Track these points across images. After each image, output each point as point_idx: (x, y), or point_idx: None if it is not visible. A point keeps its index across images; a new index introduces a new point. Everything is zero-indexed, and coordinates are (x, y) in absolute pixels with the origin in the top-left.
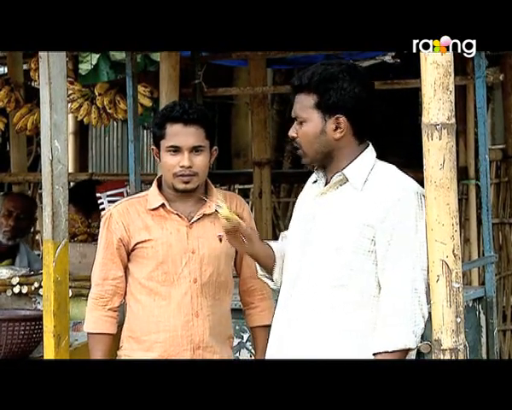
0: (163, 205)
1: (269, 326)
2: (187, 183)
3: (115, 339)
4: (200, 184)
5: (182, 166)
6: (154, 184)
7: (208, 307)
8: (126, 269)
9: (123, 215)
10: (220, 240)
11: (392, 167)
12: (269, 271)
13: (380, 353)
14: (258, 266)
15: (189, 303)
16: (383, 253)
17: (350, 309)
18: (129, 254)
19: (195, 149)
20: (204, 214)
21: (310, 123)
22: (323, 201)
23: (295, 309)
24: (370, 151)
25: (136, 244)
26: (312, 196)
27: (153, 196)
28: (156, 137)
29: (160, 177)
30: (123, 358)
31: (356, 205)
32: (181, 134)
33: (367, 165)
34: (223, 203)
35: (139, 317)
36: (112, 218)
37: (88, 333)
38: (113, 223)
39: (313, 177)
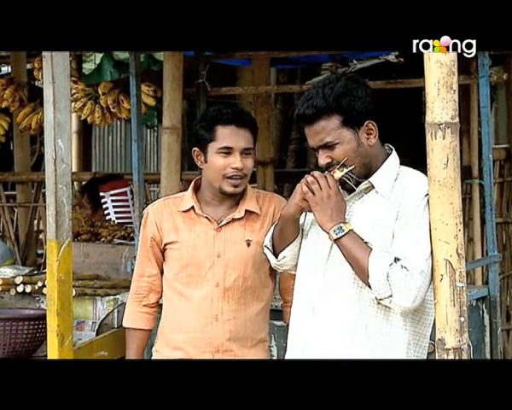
0: (193, 208)
1: None
2: (236, 186)
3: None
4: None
5: (234, 168)
6: (191, 185)
7: (230, 311)
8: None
9: (157, 214)
10: (248, 244)
11: (416, 172)
12: (279, 244)
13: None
14: (270, 233)
15: (209, 307)
16: (402, 225)
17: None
18: (163, 253)
19: (246, 152)
20: (233, 219)
21: (344, 142)
22: (348, 209)
23: (325, 321)
24: (394, 157)
25: (166, 244)
26: None
27: (186, 197)
28: (203, 140)
29: (198, 179)
30: (154, 354)
31: (384, 212)
32: (234, 136)
33: (392, 171)
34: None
35: (167, 315)
36: (148, 216)
37: (124, 327)
38: (148, 221)
39: None
